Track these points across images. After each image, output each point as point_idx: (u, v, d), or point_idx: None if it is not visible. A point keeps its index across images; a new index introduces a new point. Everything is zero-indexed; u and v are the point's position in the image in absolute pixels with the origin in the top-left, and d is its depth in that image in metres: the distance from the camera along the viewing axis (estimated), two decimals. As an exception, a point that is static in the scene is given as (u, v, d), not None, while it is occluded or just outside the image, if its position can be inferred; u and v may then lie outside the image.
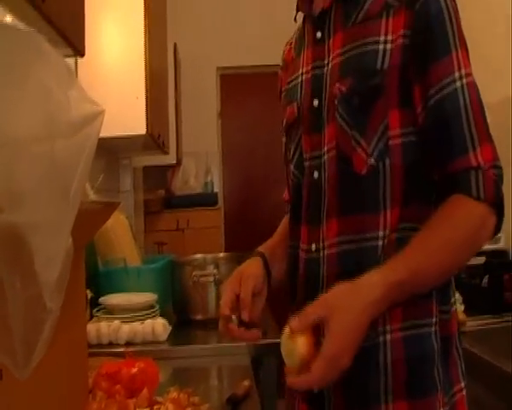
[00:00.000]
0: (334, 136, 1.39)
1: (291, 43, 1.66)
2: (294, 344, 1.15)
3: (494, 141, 1.29)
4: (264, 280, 1.55)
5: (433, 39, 1.30)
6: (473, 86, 1.30)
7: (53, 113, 0.78)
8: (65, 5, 1.47)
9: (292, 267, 1.53)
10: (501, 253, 3.52)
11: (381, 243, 1.33)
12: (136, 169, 4.79)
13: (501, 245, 3.57)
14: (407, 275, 1.19)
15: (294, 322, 1.17)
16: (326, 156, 1.41)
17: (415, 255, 1.22)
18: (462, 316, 2.61)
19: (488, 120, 1.31)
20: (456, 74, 1.29)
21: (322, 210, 1.41)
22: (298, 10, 1.57)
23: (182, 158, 5.54)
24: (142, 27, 3.13)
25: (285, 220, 1.73)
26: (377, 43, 1.33)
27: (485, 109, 1.30)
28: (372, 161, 1.33)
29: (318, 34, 1.47)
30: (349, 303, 1.16)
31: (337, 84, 1.38)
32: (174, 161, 5.08)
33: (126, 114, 2.99)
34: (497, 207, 1.25)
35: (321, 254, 1.41)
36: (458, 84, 1.29)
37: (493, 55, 3.98)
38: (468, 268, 3.04)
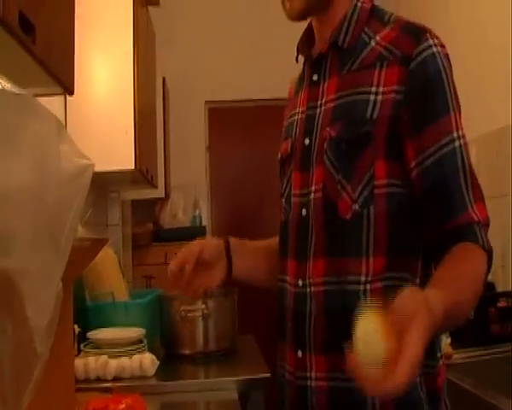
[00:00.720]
0: (321, 178, 1.42)
1: (294, 81, 1.72)
2: (382, 339, 0.96)
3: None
4: (219, 254, 1.68)
5: (432, 100, 1.35)
6: (467, 148, 1.36)
7: (44, 166, 0.81)
8: (55, 45, 1.49)
9: (280, 301, 1.54)
10: (486, 285, 3.54)
11: (362, 287, 1.36)
12: (125, 202, 4.80)
13: (487, 278, 3.59)
14: (450, 305, 1.10)
15: (394, 316, 0.97)
16: (313, 196, 1.44)
17: (453, 288, 1.17)
18: (448, 349, 2.62)
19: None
20: (455, 134, 1.34)
21: (309, 247, 1.43)
22: (298, 52, 1.62)
23: (170, 191, 5.55)
24: (131, 63, 3.14)
25: (274, 239, 1.73)
26: (369, 93, 1.38)
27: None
28: (357, 207, 1.36)
29: (315, 77, 1.52)
30: (427, 309, 1.00)
31: (327, 128, 1.42)
32: (162, 195, 5.09)
33: (115, 149, 3.01)
34: (490, 257, 1.32)
35: (307, 290, 1.43)
36: (457, 143, 1.34)
37: (493, 84, 4.03)
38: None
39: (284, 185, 1.58)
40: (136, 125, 3.08)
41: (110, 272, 3.06)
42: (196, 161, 5.99)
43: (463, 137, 1.36)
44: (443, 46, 1.39)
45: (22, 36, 1.22)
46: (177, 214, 5.90)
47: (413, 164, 1.35)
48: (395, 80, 1.36)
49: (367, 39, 1.44)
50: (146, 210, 5.66)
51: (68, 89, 1.61)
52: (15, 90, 1.61)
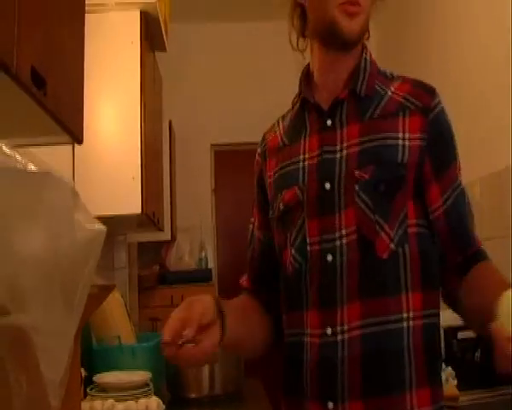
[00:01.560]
0: (353, 220, 1.43)
1: (275, 132, 1.71)
2: None
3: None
4: (214, 313, 1.36)
5: (446, 148, 1.53)
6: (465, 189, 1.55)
7: (59, 234, 0.85)
8: (65, 97, 1.53)
9: (295, 355, 1.51)
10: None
11: (405, 324, 1.40)
12: (131, 245, 4.82)
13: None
14: None
15: None
16: (345, 240, 1.43)
17: None
18: (455, 391, 2.62)
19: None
20: (460, 179, 1.53)
21: (339, 293, 1.42)
22: (300, 95, 1.61)
23: (176, 234, 5.58)
24: (139, 108, 3.18)
25: (243, 299, 1.70)
26: (397, 138, 1.47)
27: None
28: (393, 246, 1.42)
29: (329, 122, 1.53)
30: None
31: (357, 171, 1.45)
32: (169, 238, 5.12)
33: (122, 193, 3.04)
34: None
35: (339, 338, 1.41)
36: (462, 185, 1.53)
37: (492, 126, 4.07)
38: (461, 342, 3.05)
39: (294, 236, 1.53)
40: (142, 170, 3.11)
41: (116, 316, 3.07)
42: (202, 204, 6.04)
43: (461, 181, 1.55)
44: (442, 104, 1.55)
45: (34, 90, 1.26)
46: (183, 257, 5.93)
47: (436, 205, 1.49)
48: (418, 128, 1.48)
49: (381, 90, 1.54)
50: (152, 252, 5.69)
51: (77, 138, 1.65)
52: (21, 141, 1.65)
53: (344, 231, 1.44)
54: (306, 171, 1.53)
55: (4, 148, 0.81)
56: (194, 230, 5.94)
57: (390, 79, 1.57)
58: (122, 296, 3.40)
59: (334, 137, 1.51)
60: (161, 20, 3.47)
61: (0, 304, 0.72)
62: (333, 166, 1.48)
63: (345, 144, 1.49)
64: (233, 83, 6.02)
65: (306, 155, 1.55)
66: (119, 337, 2.85)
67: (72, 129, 1.58)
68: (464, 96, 4.19)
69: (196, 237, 5.98)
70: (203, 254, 5.95)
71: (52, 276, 0.83)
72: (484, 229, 3.46)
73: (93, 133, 2.92)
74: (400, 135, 1.47)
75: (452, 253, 1.51)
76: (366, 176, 1.44)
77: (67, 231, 0.89)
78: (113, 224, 3.62)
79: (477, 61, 4.07)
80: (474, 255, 1.51)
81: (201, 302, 1.37)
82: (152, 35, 3.54)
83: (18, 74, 1.17)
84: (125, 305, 3.42)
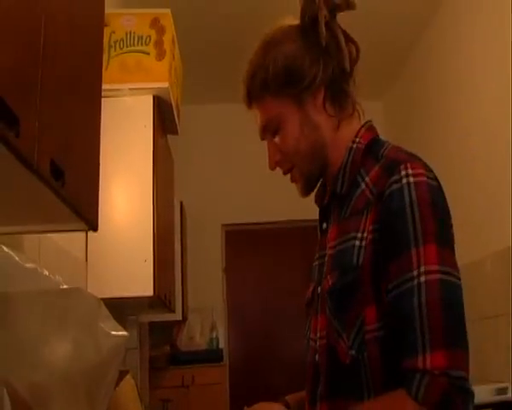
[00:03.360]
0: (324, 325, 1.43)
1: None
2: None
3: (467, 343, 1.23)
4: None
5: (392, 236, 1.30)
6: (435, 284, 1.24)
7: (85, 341, 0.88)
8: (82, 186, 1.57)
9: None
10: (509, 405, 3.48)
11: None
12: (142, 325, 4.82)
13: (508, 396, 3.53)
14: None
15: None
16: (318, 342, 1.45)
17: None
18: None
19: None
20: (415, 272, 1.25)
21: (317, 392, 1.44)
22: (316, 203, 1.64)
23: (187, 314, 5.57)
24: (151, 191, 3.23)
25: None
26: (355, 238, 1.36)
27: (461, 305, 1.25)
28: (353, 352, 1.34)
29: (324, 225, 1.55)
30: None
31: (328, 277, 1.42)
32: (180, 318, 5.11)
33: (134, 276, 3.06)
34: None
35: None
36: (415, 282, 1.24)
37: (492, 205, 4.11)
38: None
39: (306, 328, 1.56)
40: (155, 253, 3.14)
41: (128, 399, 3.04)
42: (213, 283, 6.05)
43: (430, 273, 1.24)
44: (419, 175, 1.33)
45: (52, 182, 1.30)
46: (194, 337, 5.90)
47: (386, 303, 1.30)
48: (373, 220, 1.34)
49: (360, 181, 1.43)
50: (163, 332, 5.67)
51: (93, 226, 1.68)
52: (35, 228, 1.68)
53: (319, 335, 1.45)
54: (317, 271, 1.55)
55: (40, 269, 0.86)
56: (205, 310, 5.93)
57: (378, 159, 1.43)
58: (133, 377, 3.38)
59: (326, 240, 1.51)
60: (173, 104, 3.56)
61: (24, 404, 0.73)
62: (322, 270, 1.49)
63: (327, 248, 1.48)
64: (244, 163, 6.10)
65: (317, 255, 1.57)
66: (130, 422, 2.82)
67: (88, 217, 1.61)
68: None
69: (207, 317, 5.97)
70: (214, 334, 5.92)
71: (77, 381, 0.85)
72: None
73: (106, 216, 2.96)
74: (359, 235, 1.35)
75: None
76: (330, 282, 1.41)
77: (93, 340, 0.93)
78: (125, 305, 3.63)
79: (480, 144, 4.14)
80: (404, 371, 1.23)
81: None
82: (164, 118, 3.63)
83: (38, 169, 1.20)
84: (136, 386, 3.39)
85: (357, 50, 1.55)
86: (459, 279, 1.28)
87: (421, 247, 1.26)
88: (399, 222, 1.29)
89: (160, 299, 3.35)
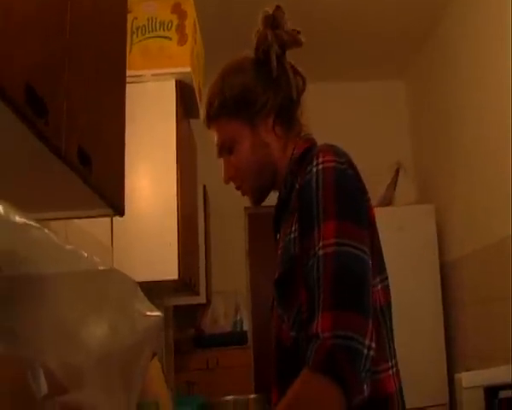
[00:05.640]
0: (275, 317, 1.54)
1: None
2: None
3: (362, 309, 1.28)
4: None
5: (302, 221, 1.43)
6: (330, 255, 1.32)
7: (121, 323, 0.91)
8: (108, 172, 1.59)
9: None
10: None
11: None
12: (167, 308, 4.86)
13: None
14: None
15: None
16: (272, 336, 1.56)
17: None
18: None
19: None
20: (316, 249, 1.35)
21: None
22: None
23: (211, 297, 5.60)
24: (175, 175, 3.25)
25: None
26: (290, 233, 1.48)
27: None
28: (293, 333, 1.44)
29: (278, 236, 1.65)
30: None
31: (275, 273, 1.53)
32: (204, 301, 5.14)
33: (159, 260, 3.09)
34: (337, 379, 1.21)
35: None
36: (315, 257, 1.34)
37: (492, 194, 4.12)
38: (502, 402, 3.01)
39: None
40: (179, 236, 3.16)
41: (155, 382, 3.08)
42: (237, 266, 6.07)
43: (326, 246, 1.33)
44: (327, 162, 1.43)
45: (80, 168, 1.32)
46: (218, 320, 5.94)
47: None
48: (297, 206, 1.47)
49: (296, 184, 1.52)
50: (187, 316, 5.71)
51: (119, 211, 1.70)
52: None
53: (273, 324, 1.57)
54: None
55: (79, 251, 0.88)
56: (228, 292, 5.96)
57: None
58: (159, 360, 3.42)
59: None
60: (196, 88, 3.57)
61: (59, 384, 0.75)
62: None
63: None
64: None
65: None
66: (157, 404, 2.85)
67: (114, 202, 1.64)
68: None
69: (231, 300, 6.00)
70: (238, 316, 5.95)
71: (112, 362, 0.87)
72: None
73: (130, 201, 2.98)
74: (293, 228, 1.47)
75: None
76: (275, 275, 1.52)
77: (129, 320, 0.94)
78: (151, 289, 3.66)
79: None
80: (309, 342, 1.28)
81: None
82: (187, 103, 3.63)
83: (66, 156, 1.23)
84: (162, 369, 3.43)
85: (304, 83, 1.71)
86: (359, 249, 1.34)
87: (322, 224, 1.36)
88: (306, 207, 1.42)
89: (185, 282, 3.38)
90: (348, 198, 1.41)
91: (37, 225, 0.85)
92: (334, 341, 1.22)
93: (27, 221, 0.83)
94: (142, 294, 1.06)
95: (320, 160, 1.44)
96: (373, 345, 1.25)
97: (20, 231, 0.82)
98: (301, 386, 1.26)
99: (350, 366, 1.21)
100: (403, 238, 5.04)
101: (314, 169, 1.43)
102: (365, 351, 1.23)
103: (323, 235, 1.34)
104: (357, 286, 1.31)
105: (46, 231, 0.85)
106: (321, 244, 1.34)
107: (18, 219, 0.82)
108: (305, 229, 1.40)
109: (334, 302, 1.27)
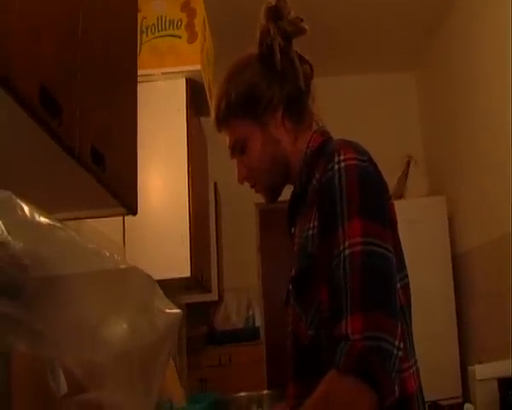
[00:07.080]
0: (291, 314, 1.54)
1: None
2: None
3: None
4: None
5: (325, 219, 1.40)
6: (357, 255, 1.30)
7: (141, 321, 0.91)
8: (121, 171, 1.60)
9: None
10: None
11: None
12: (180, 306, 4.83)
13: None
14: None
15: None
16: (289, 329, 1.56)
17: None
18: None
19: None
20: (341, 247, 1.32)
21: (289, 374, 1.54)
22: None
23: (223, 294, 5.61)
24: (186, 173, 3.26)
25: None
26: (308, 229, 1.47)
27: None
28: (311, 332, 1.44)
29: (292, 230, 1.65)
30: None
31: (292, 270, 1.52)
32: (216, 298, 5.15)
33: (171, 258, 3.09)
34: (370, 380, 1.20)
35: None
36: (341, 256, 1.31)
37: (504, 185, 4.10)
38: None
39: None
40: (191, 233, 3.17)
41: (168, 379, 3.10)
42: (248, 263, 6.07)
43: (352, 245, 1.31)
44: (349, 159, 1.41)
45: (94, 167, 1.33)
46: (230, 316, 5.94)
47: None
48: (317, 209, 1.45)
49: (313, 179, 1.52)
50: (200, 313, 5.72)
51: (132, 210, 1.71)
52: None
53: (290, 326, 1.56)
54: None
55: (101, 250, 0.89)
56: (240, 289, 5.96)
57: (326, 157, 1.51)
58: (172, 358, 3.43)
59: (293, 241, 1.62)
60: (206, 85, 3.57)
61: (79, 384, 0.76)
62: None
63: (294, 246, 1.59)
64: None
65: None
66: (170, 401, 2.87)
67: (127, 201, 1.64)
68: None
69: (243, 296, 6.00)
70: (250, 312, 5.96)
71: (133, 360, 0.88)
72: None
73: (142, 199, 2.99)
74: (311, 224, 1.45)
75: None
76: (292, 273, 1.52)
77: (149, 318, 0.95)
78: (163, 287, 3.66)
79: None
80: (334, 342, 1.27)
81: None
82: (197, 100, 3.64)
83: (80, 155, 1.24)
84: (175, 366, 3.45)
85: (311, 69, 1.70)
86: (385, 249, 1.33)
87: (346, 223, 1.34)
88: (329, 205, 1.39)
89: (197, 279, 3.38)
90: (372, 196, 1.39)
91: (61, 225, 0.85)
92: (366, 342, 1.21)
93: (51, 222, 0.84)
94: (161, 291, 1.07)
95: (341, 157, 1.41)
96: (401, 345, 1.26)
97: (45, 231, 0.82)
98: (331, 387, 1.25)
99: (382, 368, 1.21)
100: (414, 231, 5.03)
101: (336, 166, 1.40)
102: (395, 351, 1.23)
103: (349, 234, 1.32)
104: (385, 286, 1.30)
105: (70, 231, 0.86)
106: (347, 243, 1.32)
107: (43, 219, 0.83)
108: (328, 227, 1.38)
109: (363, 303, 1.26)
